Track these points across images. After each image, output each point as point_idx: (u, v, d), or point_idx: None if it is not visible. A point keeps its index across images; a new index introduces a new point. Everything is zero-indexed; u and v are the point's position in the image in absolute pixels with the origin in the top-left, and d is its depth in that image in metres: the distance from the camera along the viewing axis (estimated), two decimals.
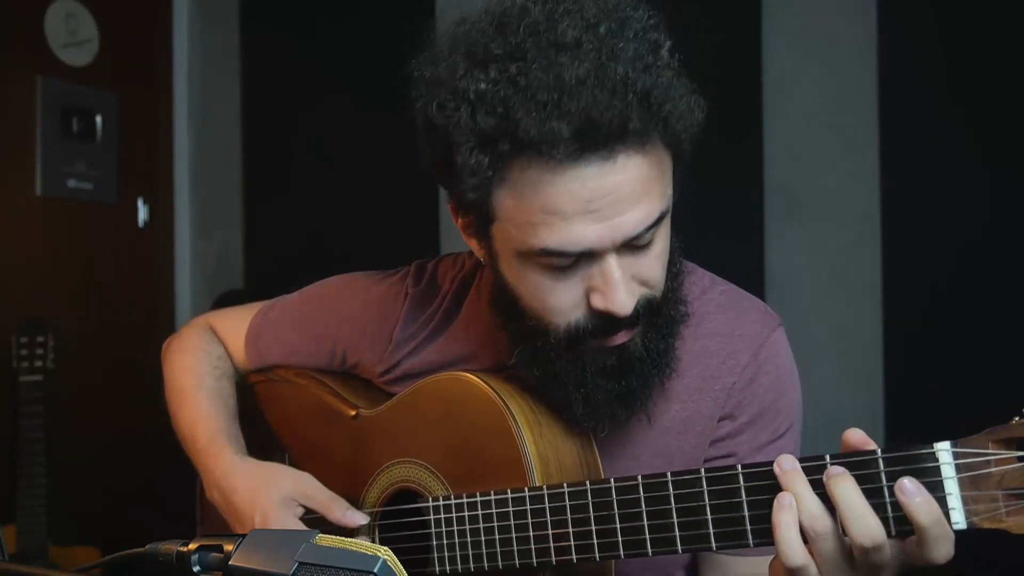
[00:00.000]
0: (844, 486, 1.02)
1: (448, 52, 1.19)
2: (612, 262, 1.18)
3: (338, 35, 3.67)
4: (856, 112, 2.76)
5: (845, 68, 2.80)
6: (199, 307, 3.94)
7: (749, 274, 2.86)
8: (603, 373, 1.26)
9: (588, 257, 1.18)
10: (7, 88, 3.45)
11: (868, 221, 2.74)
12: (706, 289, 1.41)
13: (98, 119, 3.71)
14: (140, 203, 3.87)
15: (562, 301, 1.22)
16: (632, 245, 1.19)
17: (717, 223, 2.72)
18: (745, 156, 2.87)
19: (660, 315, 1.26)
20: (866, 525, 1.01)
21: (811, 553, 1.04)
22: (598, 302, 1.19)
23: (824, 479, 1.04)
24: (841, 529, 1.03)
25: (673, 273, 1.30)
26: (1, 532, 1.06)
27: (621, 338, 1.24)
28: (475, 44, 1.16)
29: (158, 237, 3.95)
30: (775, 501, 1.05)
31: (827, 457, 1.05)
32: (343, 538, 0.82)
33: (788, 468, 1.06)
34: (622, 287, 1.18)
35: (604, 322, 1.22)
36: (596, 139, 1.10)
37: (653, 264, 1.23)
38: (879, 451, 1.02)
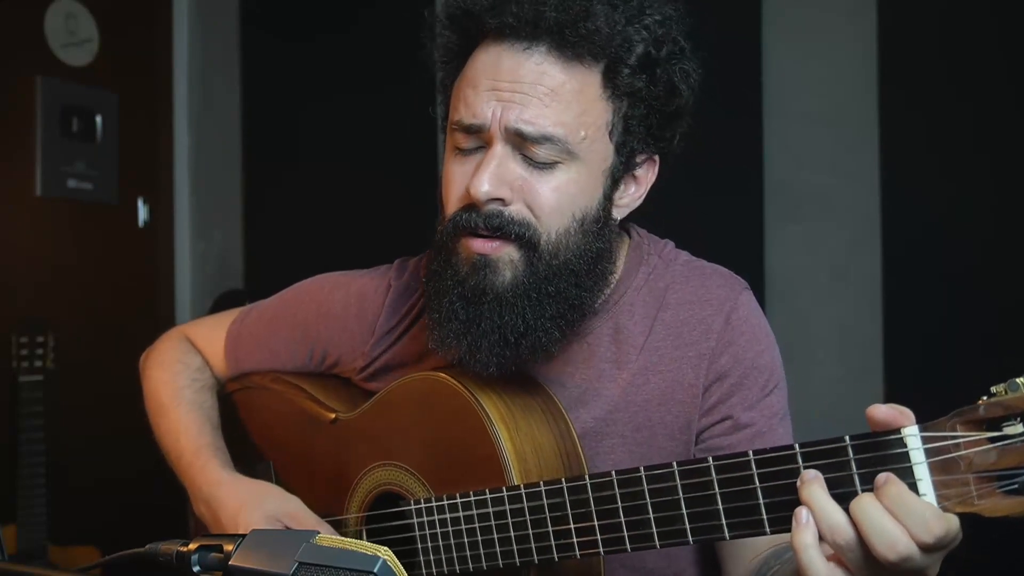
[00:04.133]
0: (861, 500, 0.96)
1: None
2: (496, 147, 1.26)
3: (338, 35, 3.67)
4: (856, 112, 2.76)
5: (845, 68, 2.80)
6: (199, 307, 3.94)
7: (749, 274, 2.85)
8: (462, 293, 1.29)
9: (484, 146, 1.27)
10: (7, 88, 3.45)
11: (868, 221, 2.74)
12: (670, 262, 1.43)
13: (98, 119, 3.70)
14: (140, 203, 3.87)
15: (456, 185, 1.30)
16: (525, 153, 1.25)
17: (717, 223, 2.72)
18: (745, 156, 2.87)
19: (540, 257, 1.27)
20: (887, 536, 0.94)
21: (840, 562, 0.99)
22: (469, 183, 1.27)
23: (798, 485, 1.00)
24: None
25: (585, 251, 1.30)
26: (1, 532, 1.06)
27: (480, 244, 1.28)
28: None
29: (158, 237, 3.95)
30: (793, 518, 1.00)
31: (796, 447, 1.02)
32: (343, 538, 0.82)
33: (809, 479, 1.00)
34: (489, 171, 1.26)
35: (471, 214, 1.27)
36: (517, 22, 1.23)
37: (545, 192, 1.27)
38: (848, 438, 0.99)
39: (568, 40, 1.23)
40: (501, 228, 1.26)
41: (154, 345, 1.71)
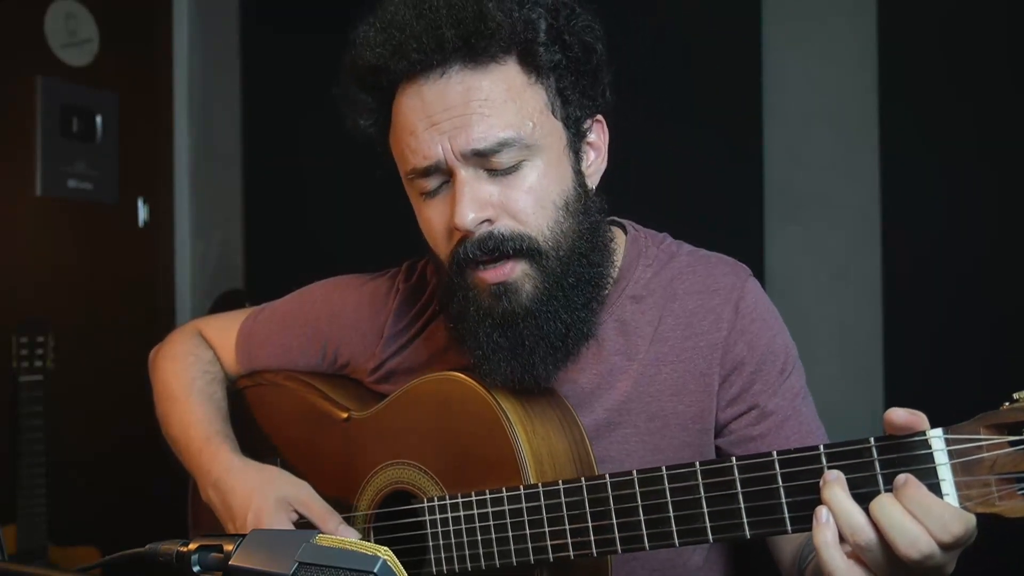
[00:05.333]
0: (881, 501, 0.99)
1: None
2: (460, 175, 1.26)
3: (339, 35, 3.67)
4: (856, 112, 2.76)
5: (845, 68, 2.80)
6: (199, 307, 3.94)
7: None
8: (494, 323, 1.29)
9: (448, 179, 1.28)
10: (7, 88, 3.45)
11: (868, 221, 2.74)
12: (672, 254, 1.45)
13: (98, 119, 3.70)
14: (140, 203, 3.87)
15: (436, 227, 1.31)
16: (489, 167, 1.25)
17: (717, 223, 2.72)
18: (745, 156, 2.87)
19: (547, 257, 1.28)
20: (909, 536, 0.97)
21: (859, 560, 1.01)
22: (451, 220, 1.27)
23: (820, 485, 1.03)
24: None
25: (582, 230, 1.32)
26: (1, 532, 1.06)
27: (492, 275, 1.27)
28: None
29: (158, 237, 3.95)
30: (814, 517, 1.02)
31: (821, 447, 1.04)
32: (343, 538, 0.82)
33: (831, 479, 1.02)
34: (465, 199, 1.25)
35: (465, 246, 1.27)
36: (422, 55, 1.24)
37: (521, 196, 1.27)
38: (872, 439, 1.02)
39: (476, 48, 1.24)
40: (497, 248, 1.27)
41: (166, 339, 1.72)
